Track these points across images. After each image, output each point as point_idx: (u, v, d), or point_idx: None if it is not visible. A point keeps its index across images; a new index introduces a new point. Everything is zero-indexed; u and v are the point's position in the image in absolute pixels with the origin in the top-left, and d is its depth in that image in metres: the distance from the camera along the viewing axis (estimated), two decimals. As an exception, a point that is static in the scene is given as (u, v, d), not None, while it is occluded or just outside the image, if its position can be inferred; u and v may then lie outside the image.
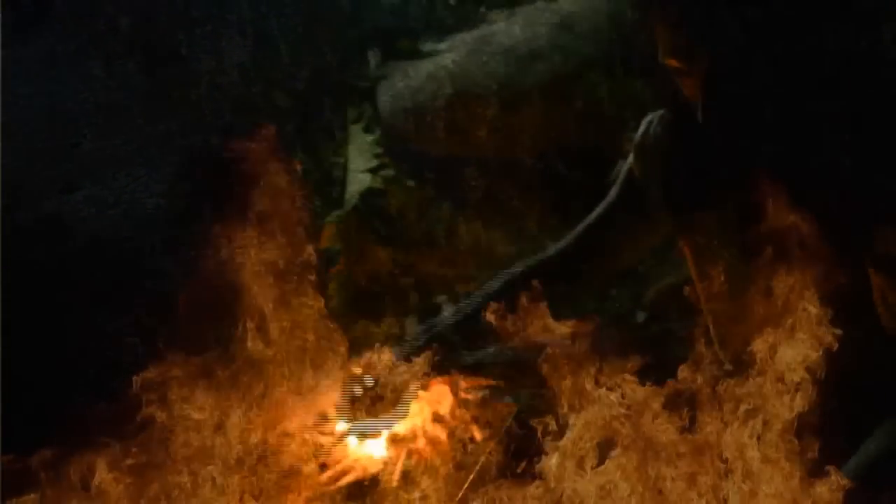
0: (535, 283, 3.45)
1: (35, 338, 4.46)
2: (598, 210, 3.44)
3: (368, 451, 4.31)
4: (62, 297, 4.84)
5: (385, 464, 4.27)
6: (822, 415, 2.61)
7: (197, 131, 5.72)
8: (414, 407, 4.49)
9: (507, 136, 5.51)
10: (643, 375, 3.50)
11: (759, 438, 2.67)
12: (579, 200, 3.77)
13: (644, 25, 2.79)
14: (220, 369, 4.10)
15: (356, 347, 4.60)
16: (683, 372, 2.83)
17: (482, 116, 5.46)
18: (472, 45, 5.78)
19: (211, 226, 4.07)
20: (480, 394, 4.57)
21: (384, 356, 4.30)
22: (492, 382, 4.62)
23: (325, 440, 4.42)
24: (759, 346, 2.71)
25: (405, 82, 5.74)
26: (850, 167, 2.70)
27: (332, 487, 4.26)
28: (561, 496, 2.81)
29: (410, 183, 5.46)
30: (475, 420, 4.39)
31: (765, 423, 2.70)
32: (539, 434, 3.28)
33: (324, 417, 4.48)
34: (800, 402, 2.59)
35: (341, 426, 4.45)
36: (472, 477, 4.01)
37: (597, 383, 2.88)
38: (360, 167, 5.56)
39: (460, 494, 3.95)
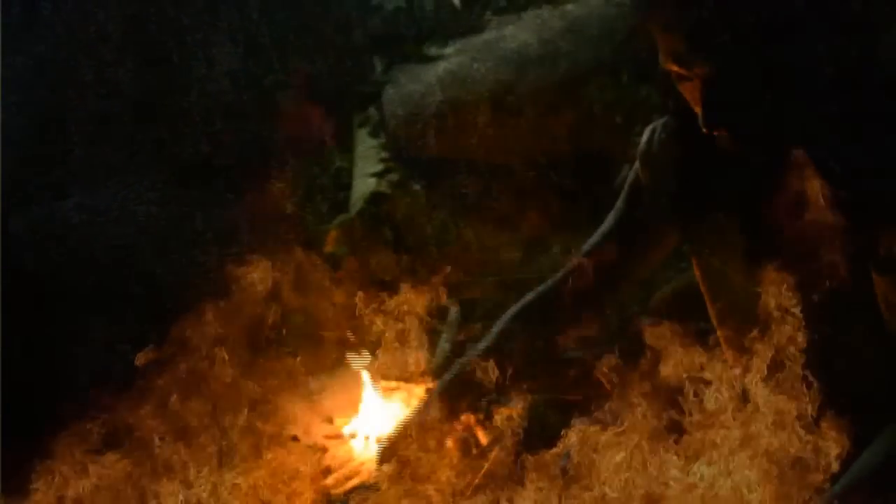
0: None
1: (26, 345, 4.43)
2: (607, 224, 3.44)
3: (373, 454, 4.31)
4: (53, 305, 4.80)
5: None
6: (822, 419, 2.61)
7: (188, 139, 5.66)
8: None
9: (514, 140, 5.48)
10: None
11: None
12: (585, 205, 3.76)
13: (644, 30, 2.79)
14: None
15: (361, 351, 4.58)
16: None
17: (488, 121, 5.44)
18: (479, 49, 5.81)
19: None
20: (486, 398, 4.57)
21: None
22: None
23: (329, 444, 4.40)
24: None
25: (411, 87, 5.74)
26: (850, 170, 2.70)
27: (337, 491, 4.25)
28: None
29: (416, 187, 5.46)
30: (480, 424, 4.38)
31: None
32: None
33: (329, 421, 4.45)
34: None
35: (347, 429, 4.43)
36: (476, 480, 4.00)
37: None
38: (365, 171, 5.56)
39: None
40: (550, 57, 5.77)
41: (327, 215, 5.56)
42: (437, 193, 5.50)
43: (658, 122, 3.37)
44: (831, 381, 2.66)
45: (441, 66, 5.92)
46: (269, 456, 4.33)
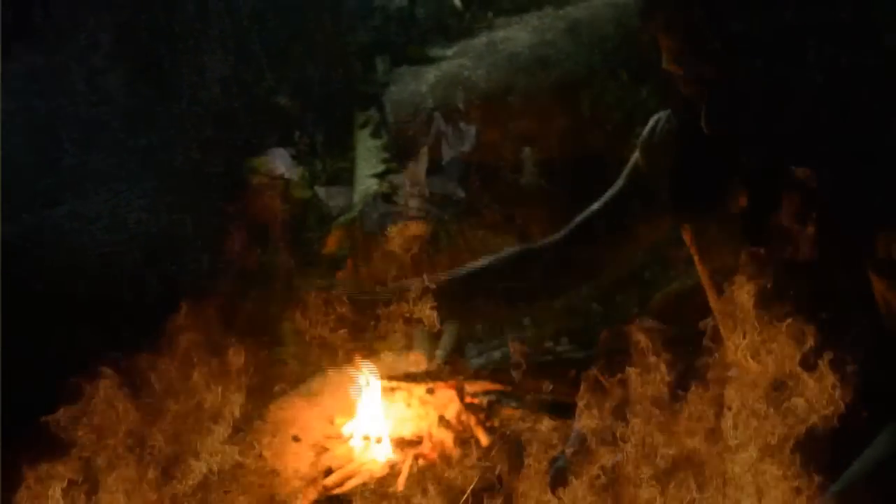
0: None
1: (16, 352, 4.40)
2: (603, 200, 3.46)
3: (374, 454, 4.30)
4: (44, 312, 4.77)
5: (391, 467, 4.25)
6: (825, 420, 2.62)
7: (179, 146, 5.65)
8: (420, 411, 4.48)
9: (515, 141, 5.47)
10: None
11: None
12: (584, 207, 3.77)
13: (647, 32, 2.81)
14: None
15: (362, 351, 4.56)
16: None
17: (490, 122, 5.45)
18: (480, 51, 5.86)
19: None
20: (486, 398, 4.55)
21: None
22: (497, 387, 4.61)
23: (330, 444, 4.41)
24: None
25: (413, 88, 5.73)
26: (850, 172, 2.72)
27: (338, 491, 4.24)
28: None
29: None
30: (481, 424, 4.37)
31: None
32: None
33: (330, 421, 4.46)
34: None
35: (347, 428, 4.43)
36: (475, 482, 3.99)
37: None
38: (367, 172, 5.54)
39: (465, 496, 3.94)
40: (551, 58, 5.81)
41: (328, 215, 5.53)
42: (438, 194, 5.47)
43: (662, 114, 3.40)
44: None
45: (442, 67, 5.93)
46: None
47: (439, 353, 4.68)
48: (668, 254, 4.46)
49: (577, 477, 2.86)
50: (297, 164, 5.91)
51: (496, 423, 4.45)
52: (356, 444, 4.47)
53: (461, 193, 5.75)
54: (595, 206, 3.59)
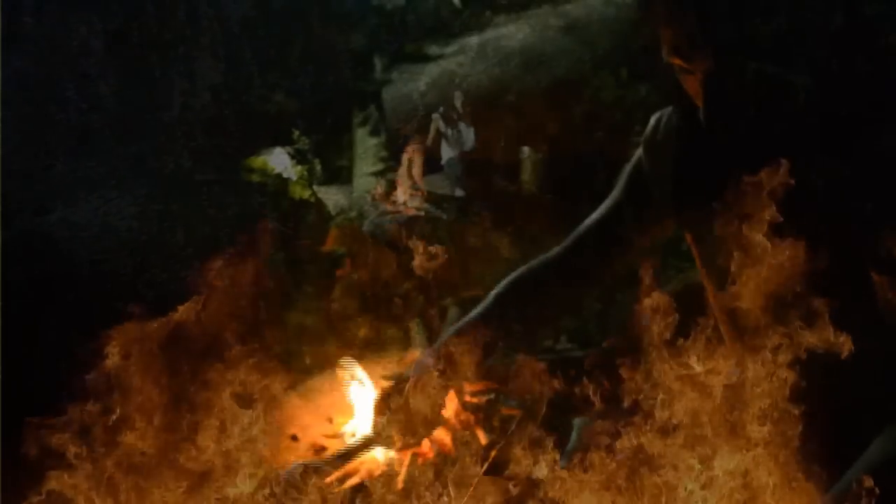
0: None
1: (6, 359, 4.36)
2: (605, 206, 3.43)
3: (373, 453, 4.24)
4: (34, 319, 4.73)
5: (390, 466, 4.20)
6: (822, 422, 2.59)
7: (169, 153, 5.63)
8: (420, 411, 4.43)
9: (514, 139, 5.47)
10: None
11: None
12: (584, 204, 3.74)
13: (648, 22, 2.80)
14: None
15: (361, 349, 4.53)
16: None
17: (488, 120, 5.44)
18: (479, 48, 5.85)
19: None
20: (486, 398, 4.51)
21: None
22: (496, 386, 4.56)
23: (329, 443, 4.36)
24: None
25: (411, 86, 5.72)
26: (853, 170, 2.71)
27: (337, 490, 4.18)
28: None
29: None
30: (480, 423, 4.32)
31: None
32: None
33: (328, 420, 4.41)
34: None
35: (346, 428, 4.38)
36: (476, 481, 3.94)
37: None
38: (365, 170, 5.53)
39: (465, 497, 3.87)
40: (550, 56, 5.82)
41: (327, 214, 5.51)
42: (437, 193, 5.47)
43: (665, 111, 3.39)
44: (830, 384, 2.64)
45: (440, 65, 5.92)
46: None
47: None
48: (668, 254, 4.45)
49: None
50: (295, 164, 5.88)
51: (496, 423, 4.42)
52: (355, 442, 4.43)
53: (460, 192, 5.74)
54: (596, 213, 3.57)
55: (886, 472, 2.68)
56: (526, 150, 5.90)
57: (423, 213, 5.62)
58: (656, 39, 2.96)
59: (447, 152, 5.94)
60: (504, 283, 3.74)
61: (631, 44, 5.58)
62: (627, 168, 3.49)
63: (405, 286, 5.00)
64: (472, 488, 3.70)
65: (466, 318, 3.75)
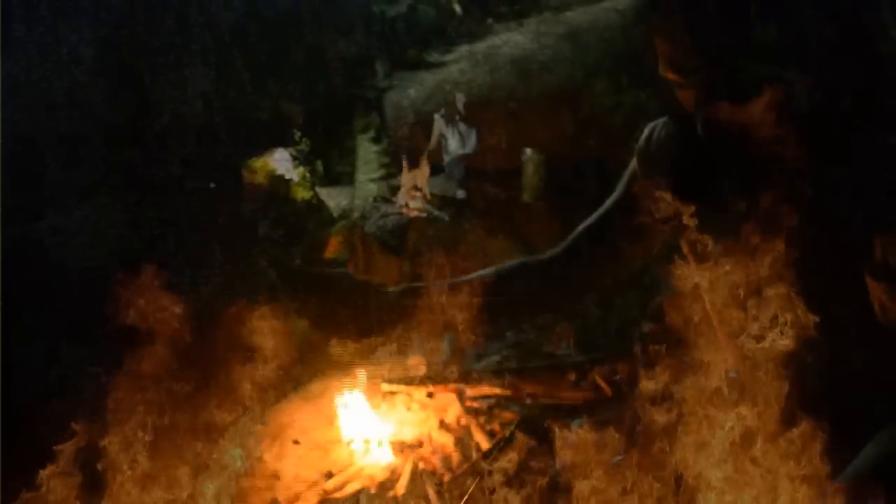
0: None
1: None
2: (599, 213, 3.46)
3: (374, 458, 4.28)
4: (25, 326, 4.73)
5: (391, 471, 4.24)
6: (823, 420, 2.63)
7: (160, 161, 5.62)
8: (420, 414, 4.47)
9: (514, 145, 5.47)
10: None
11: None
12: (583, 209, 3.76)
13: (645, 38, 2.82)
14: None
15: (362, 354, 4.56)
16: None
17: (489, 126, 5.45)
18: (480, 55, 5.98)
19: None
20: (486, 402, 4.55)
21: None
22: (497, 391, 4.61)
23: (331, 447, 4.39)
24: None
25: (413, 93, 5.76)
26: (850, 179, 2.73)
27: (338, 495, 4.22)
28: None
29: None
30: (481, 428, 4.36)
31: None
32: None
33: (330, 424, 4.45)
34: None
35: (347, 434, 4.41)
36: (475, 483, 3.98)
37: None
38: (367, 176, 5.54)
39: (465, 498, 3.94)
40: (551, 63, 5.92)
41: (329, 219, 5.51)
42: (438, 197, 5.46)
43: (658, 121, 3.41)
44: (830, 385, 2.67)
45: (443, 72, 5.99)
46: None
47: (440, 356, 4.67)
48: (668, 259, 4.46)
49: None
50: (297, 165, 5.87)
51: (496, 427, 4.44)
52: (357, 447, 4.45)
53: (462, 194, 5.74)
54: (592, 218, 3.60)
55: (885, 467, 2.72)
56: (528, 151, 5.95)
57: (424, 215, 5.63)
58: (654, 50, 2.98)
59: (448, 154, 5.94)
60: (498, 267, 3.77)
61: (630, 51, 5.59)
62: (623, 177, 3.52)
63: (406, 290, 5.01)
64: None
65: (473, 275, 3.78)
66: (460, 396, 4.61)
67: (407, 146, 6.01)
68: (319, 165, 6.21)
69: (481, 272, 4.07)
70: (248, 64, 6.71)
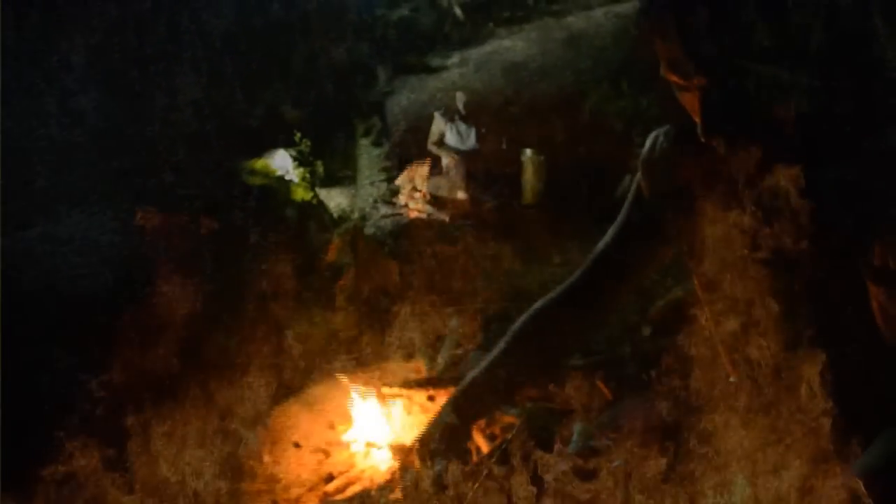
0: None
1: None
2: (611, 233, 3.46)
3: (375, 461, 4.25)
4: (16, 334, 4.70)
5: (392, 473, 4.21)
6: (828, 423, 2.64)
7: (151, 168, 5.61)
8: (421, 418, 4.45)
9: (514, 149, 5.48)
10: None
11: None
12: (585, 215, 3.76)
13: (647, 41, 2.83)
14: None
15: (363, 359, 4.54)
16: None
17: (490, 131, 5.46)
18: (481, 60, 6.01)
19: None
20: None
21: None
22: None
23: (332, 450, 4.36)
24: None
25: (414, 97, 5.79)
26: (850, 182, 2.74)
27: (339, 497, 4.19)
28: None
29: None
30: (481, 431, 4.35)
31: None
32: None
33: (331, 428, 4.41)
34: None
35: (348, 436, 4.39)
36: (476, 485, 3.98)
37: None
38: (368, 180, 5.53)
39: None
40: (552, 68, 5.97)
41: (330, 223, 5.51)
42: (439, 196, 5.48)
43: (660, 130, 3.41)
44: (830, 388, 2.68)
45: (444, 77, 6.01)
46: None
47: (440, 360, 4.66)
48: (668, 264, 4.47)
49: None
50: (297, 165, 5.88)
51: (497, 431, 4.43)
52: (357, 450, 4.43)
53: (462, 195, 5.75)
54: (604, 241, 3.59)
55: (885, 470, 2.73)
56: (528, 152, 5.96)
57: (424, 216, 5.65)
58: (655, 54, 2.99)
59: (448, 150, 5.96)
60: (522, 319, 3.77)
61: (630, 56, 5.61)
62: (630, 194, 3.51)
63: (408, 296, 5.01)
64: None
65: (488, 359, 3.79)
66: (461, 399, 4.62)
67: (408, 149, 6.04)
68: (320, 166, 6.22)
69: (502, 341, 4.10)
70: (240, 71, 6.73)
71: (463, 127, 6.02)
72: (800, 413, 3.03)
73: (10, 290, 5.52)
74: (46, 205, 6.03)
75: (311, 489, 4.40)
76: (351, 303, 5.16)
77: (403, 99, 6.49)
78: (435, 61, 6.69)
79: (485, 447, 4.48)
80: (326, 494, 4.39)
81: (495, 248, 5.39)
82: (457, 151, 6.00)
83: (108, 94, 6.26)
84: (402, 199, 5.90)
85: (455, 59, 6.67)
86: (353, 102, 6.55)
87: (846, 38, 2.94)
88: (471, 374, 4.28)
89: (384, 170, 6.15)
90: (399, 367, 4.91)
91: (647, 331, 4.83)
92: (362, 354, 4.79)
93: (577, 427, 4.27)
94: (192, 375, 4.67)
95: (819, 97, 2.92)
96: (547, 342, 3.97)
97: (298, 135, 6.40)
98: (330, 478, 4.43)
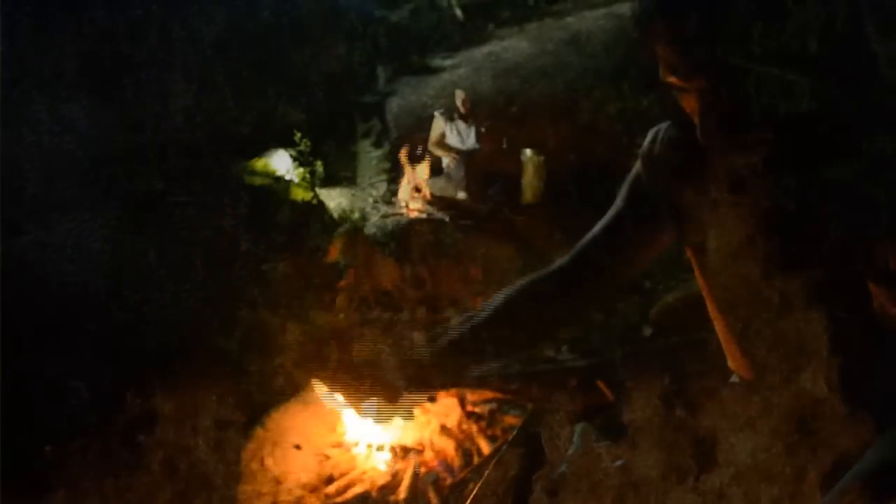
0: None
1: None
2: (606, 219, 3.44)
3: (376, 462, 4.23)
4: (6, 341, 4.67)
5: (392, 475, 4.20)
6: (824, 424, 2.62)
7: (142, 175, 5.60)
8: (421, 419, 4.42)
9: (515, 149, 5.48)
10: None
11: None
12: (585, 215, 3.75)
13: (646, 43, 2.81)
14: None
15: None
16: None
17: (490, 131, 5.45)
18: (481, 61, 5.97)
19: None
20: (488, 407, 4.51)
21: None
22: (499, 396, 4.57)
23: (332, 452, 4.34)
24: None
25: (414, 98, 5.78)
26: (851, 181, 2.72)
27: (339, 499, 4.18)
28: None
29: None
30: (482, 433, 4.33)
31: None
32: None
33: (331, 429, 4.39)
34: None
35: (349, 437, 4.36)
36: (476, 487, 3.97)
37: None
38: (368, 181, 5.53)
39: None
40: (552, 68, 5.92)
41: (330, 224, 5.50)
42: (438, 199, 5.47)
43: (662, 125, 3.39)
44: (835, 389, 2.66)
45: (444, 78, 6.00)
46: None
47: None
48: (668, 264, 4.46)
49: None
50: (297, 165, 5.87)
51: (498, 432, 4.42)
52: (358, 452, 4.41)
53: (463, 195, 5.74)
54: (597, 227, 3.57)
55: (882, 474, 2.71)
56: (528, 152, 5.95)
57: (425, 216, 5.64)
58: (654, 55, 2.97)
59: (448, 149, 5.96)
60: (508, 290, 3.72)
61: (631, 57, 5.62)
62: (627, 181, 3.50)
63: (409, 296, 4.99)
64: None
65: (469, 321, 3.73)
66: (462, 401, 4.59)
67: (408, 149, 6.03)
68: (320, 166, 6.21)
69: (489, 304, 4.03)
70: (232, 77, 6.73)
71: (463, 127, 6.03)
72: (803, 414, 3.01)
73: (2, 298, 5.50)
74: (38, 212, 6.02)
75: (311, 491, 4.36)
76: (351, 303, 5.15)
77: (403, 99, 6.47)
78: (435, 62, 6.71)
79: (486, 448, 4.46)
80: (327, 496, 4.36)
81: (496, 247, 5.38)
82: (457, 151, 6.05)
83: (100, 101, 6.26)
84: (402, 199, 5.91)
85: (455, 59, 6.70)
86: (353, 103, 6.58)
87: (840, 42, 2.93)
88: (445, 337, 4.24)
89: (384, 170, 6.15)
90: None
91: (647, 331, 4.84)
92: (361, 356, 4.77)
93: (577, 427, 4.25)
94: (188, 378, 4.65)
95: (819, 97, 2.91)
96: (530, 319, 3.94)
97: (298, 135, 6.42)
98: (330, 479, 4.40)
